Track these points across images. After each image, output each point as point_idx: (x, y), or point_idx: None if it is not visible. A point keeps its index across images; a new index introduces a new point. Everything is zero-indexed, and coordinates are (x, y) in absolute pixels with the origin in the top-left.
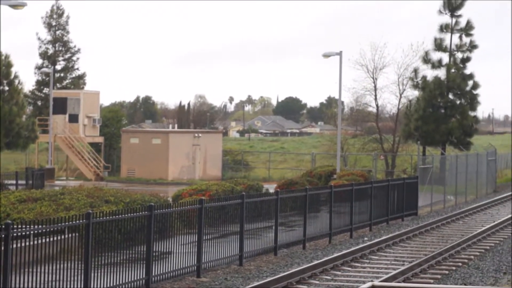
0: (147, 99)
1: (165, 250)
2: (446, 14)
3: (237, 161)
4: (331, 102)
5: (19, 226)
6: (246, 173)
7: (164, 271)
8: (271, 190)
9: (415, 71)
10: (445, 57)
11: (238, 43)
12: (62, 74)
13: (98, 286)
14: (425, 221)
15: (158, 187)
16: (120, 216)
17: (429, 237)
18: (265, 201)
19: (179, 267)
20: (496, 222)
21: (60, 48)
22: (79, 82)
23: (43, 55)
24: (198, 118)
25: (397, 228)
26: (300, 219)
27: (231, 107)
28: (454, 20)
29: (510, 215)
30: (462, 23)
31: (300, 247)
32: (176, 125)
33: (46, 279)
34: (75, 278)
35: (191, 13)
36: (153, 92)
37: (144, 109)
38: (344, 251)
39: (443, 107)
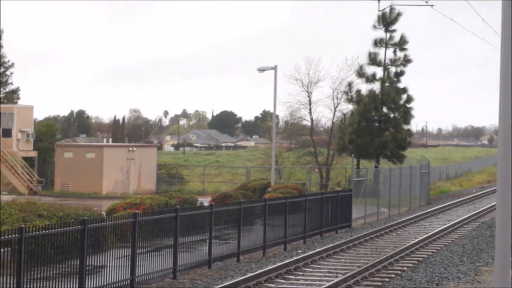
0: (81, 113)
1: (99, 264)
2: (380, 29)
3: (172, 174)
4: (266, 116)
5: None
6: (181, 186)
7: (97, 285)
8: (206, 204)
9: (350, 85)
10: (380, 71)
11: (173, 57)
12: None
13: None
14: (359, 233)
15: (92, 201)
16: (53, 230)
17: (362, 249)
18: (199, 214)
19: (112, 281)
20: (428, 234)
21: None
22: (12, 96)
23: None
24: (132, 132)
25: (331, 241)
26: (235, 232)
27: (166, 121)
28: (388, 35)
29: (442, 227)
30: (396, 37)
31: (234, 260)
32: (110, 139)
33: None
34: None
35: (126, 27)
36: (88, 106)
37: (79, 123)
38: (278, 264)
39: (377, 121)
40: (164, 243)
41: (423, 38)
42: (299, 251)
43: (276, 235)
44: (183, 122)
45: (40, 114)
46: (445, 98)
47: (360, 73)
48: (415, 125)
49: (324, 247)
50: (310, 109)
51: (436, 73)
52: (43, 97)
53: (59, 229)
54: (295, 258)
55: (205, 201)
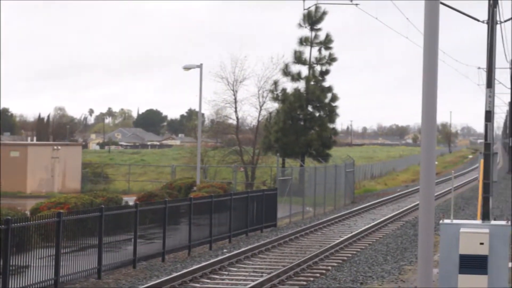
0: (4, 111)
1: (22, 264)
2: (306, 27)
3: (97, 173)
4: (192, 114)
5: None
6: (106, 185)
7: (21, 285)
8: (131, 203)
9: (275, 83)
10: (305, 70)
11: (99, 56)
12: None
13: None
14: (284, 233)
15: (17, 201)
16: None
17: (288, 248)
18: (124, 213)
19: (36, 281)
20: (353, 233)
21: None
22: None
23: None
24: (57, 130)
25: (256, 240)
26: (160, 232)
27: (91, 120)
28: (313, 33)
29: (367, 226)
30: (322, 36)
31: (159, 259)
32: (35, 138)
33: None
34: None
35: (51, 25)
36: (11, 104)
37: (2, 122)
38: (203, 263)
39: (303, 119)
40: (89, 243)
41: (349, 37)
42: (225, 250)
43: (201, 235)
44: (108, 120)
45: None
46: (370, 97)
47: (286, 72)
48: (340, 124)
49: (249, 247)
50: (235, 108)
51: (362, 72)
52: None
53: None
54: (220, 257)
55: (131, 200)
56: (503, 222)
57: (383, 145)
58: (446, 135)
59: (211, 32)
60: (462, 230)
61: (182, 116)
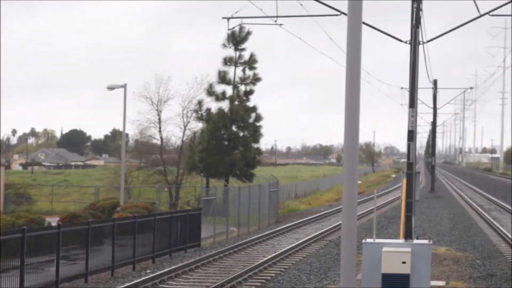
0: None
1: None
2: (230, 47)
3: (20, 194)
4: (116, 135)
5: None
6: (29, 206)
7: None
8: (54, 224)
9: (200, 103)
10: (229, 90)
11: (21, 75)
12: None
13: None
14: (208, 253)
15: None
16: None
17: (211, 269)
18: (46, 234)
19: None
20: (277, 253)
21: None
22: None
23: None
24: None
25: (180, 260)
26: (83, 252)
27: (14, 140)
28: (238, 53)
29: (290, 246)
30: (246, 56)
31: (82, 280)
32: None
33: None
34: None
35: None
36: None
37: None
38: (126, 284)
39: (227, 139)
40: (11, 264)
41: (274, 57)
42: (148, 271)
43: (125, 255)
44: (31, 140)
45: None
46: (294, 117)
47: (210, 92)
48: (264, 144)
49: (173, 267)
50: (160, 128)
51: (286, 92)
52: None
53: None
54: (143, 278)
55: (53, 221)
56: (425, 241)
57: (307, 165)
58: (370, 154)
59: (137, 52)
60: (384, 249)
61: (106, 136)
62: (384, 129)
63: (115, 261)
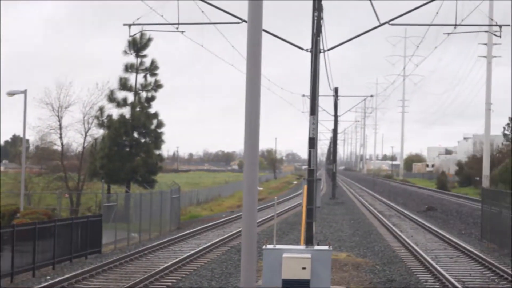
0: None
1: None
2: (131, 54)
3: None
4: (16, 141)
5: None
6: None
7: None
8: None
9: (101, 109)
10: (131, 96)
11: None
12: None
13: None
14: (109, 259)
15: None
16: None
17: (112, 275)
18: None
19: None
20: (178, 259)
21: None
22: None
23: None
24: None
25: (80, 266)
26: None
27: None
28: (139, 60)
29: (192, 252)
30: (147, 63)
31: None
32: None
33: None
34: None
35: None
36: None
37: None
38: None
39: (128, 146)
40: None
41: (178, 64)
42: (48, 277)
43: (24, 262)
44: None
45: None
46: (197, 124)
47: (111, 98)
48: (166, 150)
49: (73, 273)
50: (60, 134)
51: (189, 98)
52: None
53: None
54: (43, 284)
55: None
56: (325, 247)
57: (209, 171)
58: (271, 161)
59: (38, 58)
60: (285, 255)
61: (6, 142)
62: (286, 136)
63: (14, 267)
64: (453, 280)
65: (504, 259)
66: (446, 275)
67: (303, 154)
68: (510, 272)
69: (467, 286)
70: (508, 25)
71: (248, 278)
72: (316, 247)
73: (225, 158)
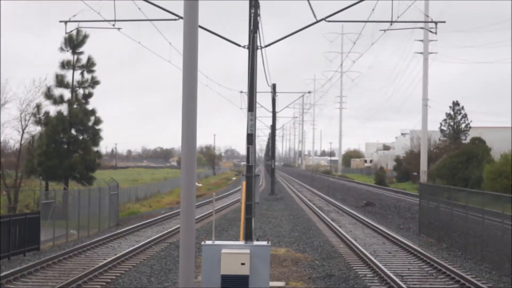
0: None
1: None
2: (68, 51)
3: None
4: None
5: None
6: None
7: None
8: None
9: (38, 107)
10: (68, 93)
11: None
12: None
13: None
14: (48, 256)
15: None
16: None
17: (51, 272)
18: None
19: None
20: (117, 255)
21: None
22: None
23: None
24: None
25: (18, 264)
26: None
27: None
28: (76, 57)
29: (131, 248)
30: (84, 60)
31: None
32: None
33: None
34: None
35: None
36: None
37: None
38: None
39: (66, 143)
40: None
41: (117, 61)
42: None
43: None
44: None
45: None
46: (135, 121)
47: (48, 95)
48: (105, 147)
49: (11, 270)
50: None
51: (128, 95)
52: None
53: None
54: None
55: None
56: (264, 243)
57: (148, 168)
58: (210, 157)
59: None
60: (223, 251)
61: None
62: (225, 132)
63: None
64: (391, 275)
65: (441, 253)
66: (385, 269)
67: (242, 150)
68: (447, 266)
69: (405, 280)
70: (444, 22)
71: (186, 274)
72: (255, 242)
73: (164, 155)
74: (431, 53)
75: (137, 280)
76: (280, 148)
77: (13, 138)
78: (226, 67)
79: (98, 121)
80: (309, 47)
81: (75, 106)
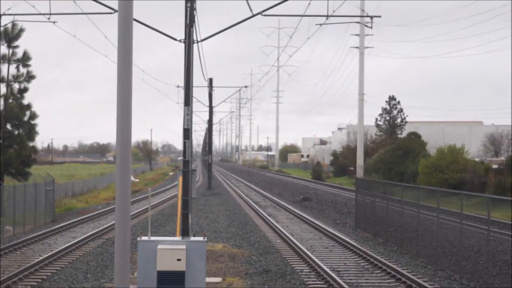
0: None
1: None
2: (3, 45)
3: None
4: None
5: None
6: None
7: None
8: None
9: None
10: (3, 88)
11: None
12: None
13: None
14: None
15: None
16: None
17: None
18: None
19: None
20: (53, 252)
21: None
22: None
23: None
24: None
25: None
26: None
27: None
28: (11, 50)
29: (67, 244)
30: (20, 54)
31: None
32: None
33: None
34: None
35: None
36: None
37: None
38: None
39: (1, 138)
40: None
41: (53, 55)
42: None
43: None
44: None
45: None
46: (71, 116)
47: None
48: (41, 142)
49: None
50: None
51: (64, 90)
52: None
53: None
54: None
55: None
56: (200, 238)
57: (84, 163)
58: (147, 152)
59: None
60: (159, 246)
61: None
62: (162, 127)
63: None
64: (328, 270)
65: (378, 248)
66: (321, 264)
67: (179, 145)
68: (383, 260)
69: (341, 276)
70: (379, 16)
71: (121, 270)
72: (192, 238)
73: (100, 150)
74: (367, 47)
75: (73, 277)
76: (217, 143)
77: None
78: (163, 61)
79: (33, 115)
80: (246, 42)
81: (10, 100)
